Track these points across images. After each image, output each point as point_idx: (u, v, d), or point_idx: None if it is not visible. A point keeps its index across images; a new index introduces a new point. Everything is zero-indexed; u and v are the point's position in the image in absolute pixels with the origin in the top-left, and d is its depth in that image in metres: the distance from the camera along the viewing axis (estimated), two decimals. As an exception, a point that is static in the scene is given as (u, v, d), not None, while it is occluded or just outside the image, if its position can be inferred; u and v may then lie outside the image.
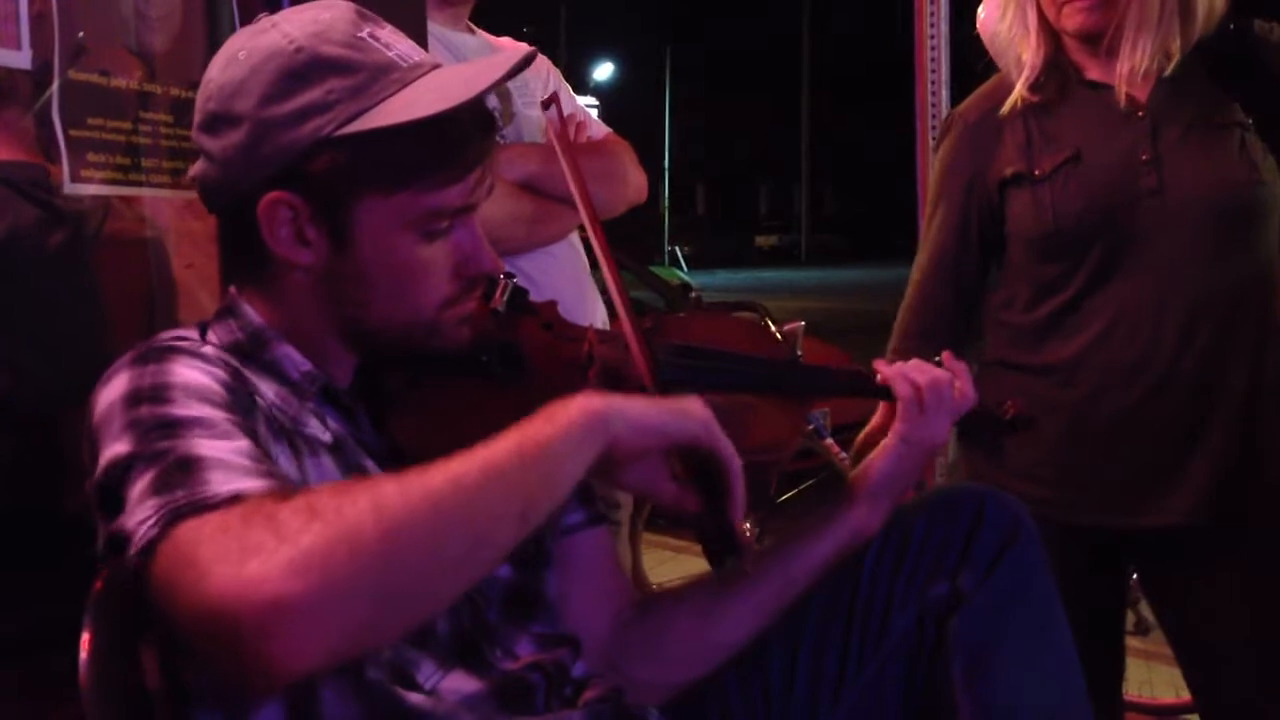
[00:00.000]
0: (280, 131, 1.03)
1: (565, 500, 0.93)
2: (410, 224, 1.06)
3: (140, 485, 0.87)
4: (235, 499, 0.83)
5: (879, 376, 1.29)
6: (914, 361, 1.30)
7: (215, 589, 0.77)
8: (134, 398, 0.94)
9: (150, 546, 0.83)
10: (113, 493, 0.89)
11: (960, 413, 1.29)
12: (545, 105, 1.35)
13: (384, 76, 1.05)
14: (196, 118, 1.09)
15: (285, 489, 0.87)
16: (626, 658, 1.24)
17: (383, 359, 1.14)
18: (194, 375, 0.97)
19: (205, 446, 0.89)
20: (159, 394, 0.94)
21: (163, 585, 0.82)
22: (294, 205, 1.04)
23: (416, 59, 1.08)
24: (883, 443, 1.27)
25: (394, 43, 1.08)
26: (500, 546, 0.88)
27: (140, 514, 0.85)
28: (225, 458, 0.88)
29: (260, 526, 0.79)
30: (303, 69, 1.03)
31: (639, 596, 1.32)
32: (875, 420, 1.33)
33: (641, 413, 0.99)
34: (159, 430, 0.90)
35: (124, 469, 0.89)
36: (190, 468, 0.86)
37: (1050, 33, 1.72)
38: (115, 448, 0.91)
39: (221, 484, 0.85)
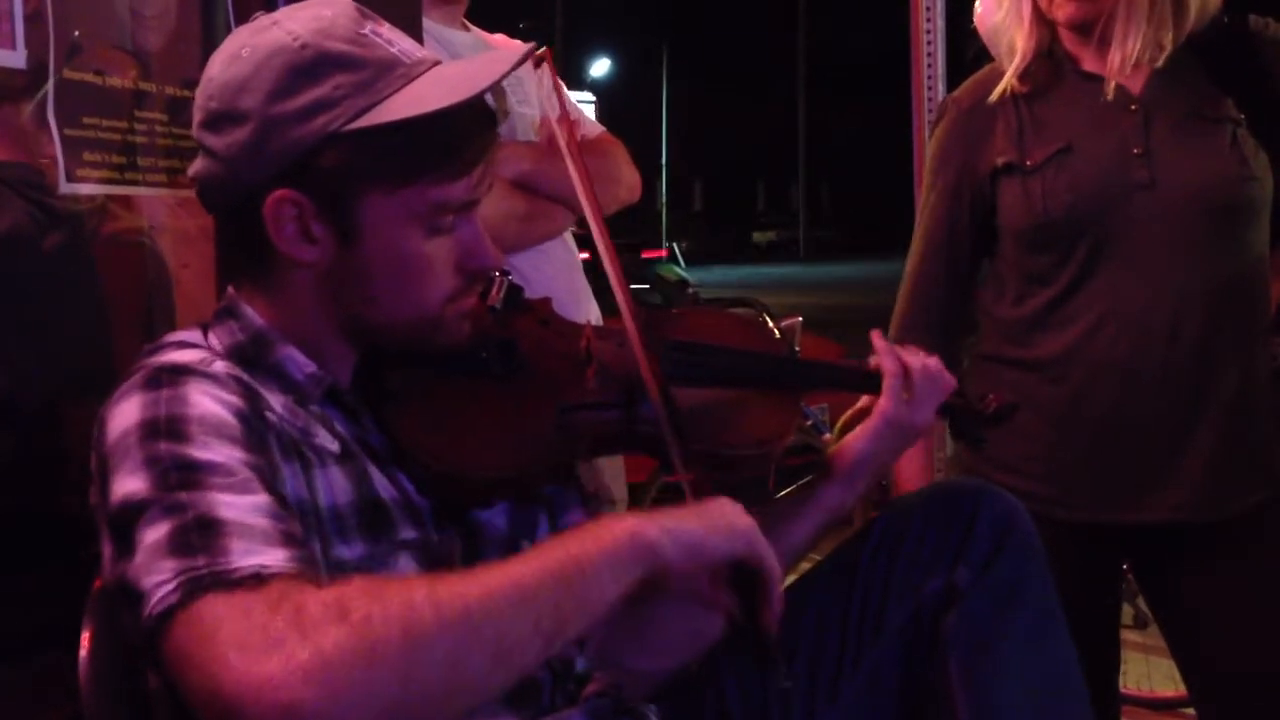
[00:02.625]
0: (287, 128, 1.03)
1: (598, 625, 0.91)
2: (415, 219, 1.06)
3: (156, 536, 0.86)
4: (257, 577, 0.83)
5: (872, 357, 1.29)
6: (909, 345, 1.31)
7: (230, 680, 0.77)
8: (150, 429, 0.93)
9: (168, 613, 0.82)
10: (125, 532, 0.89)
11: (943, 398, 1.30)
12: (537, 63, 1.32)
13: (389, 72, 1.05)
14: (198, 115, 1.09)
15: (309, 564, 0.87)
16: (618, 651, 1.24)
17: (383, 358, 1.15)
18: (210, 406, 0.96)
19: (225, 505, 0.88)
20: (176, 428, 0.93)
21: (177, 657, 0.82)
22: (300, 202, 1.04)
23: (419, 55, 1.09)
24: (864, 422, 1.28)
25: (395, 39, 1.09)
26: (521, 668, 0.87)
27: (157, 574, 0.84)
28: (246, 521, 0.87)
29: (286, 617, 0.79)
30: (309, 65, 1.04)
31: None
32: (863, 399, 1.34)
33: (690, 533, 0.97)
34: (178, 474, 0.90)
35: (138, 511, 0.89)
36: (210, 530, 0.86)
37: (1045, 22, 1.72)
38: (131, 484, 0.90)
39: (243, 555, 0.84)
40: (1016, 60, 1.72)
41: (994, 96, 1.73)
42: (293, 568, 0.85)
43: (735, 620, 1.05)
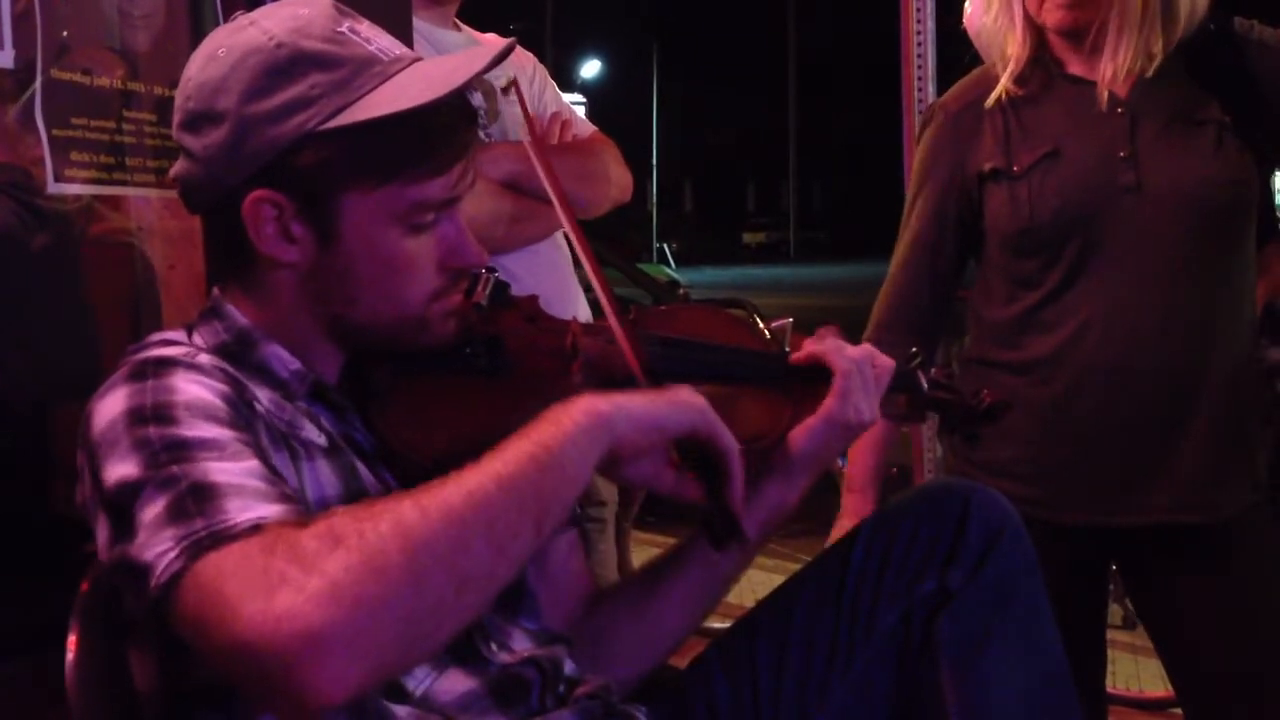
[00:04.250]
0: (264, 128, 1.03)
1: (575, 504, 0.94)
2: (395, 218, 1.06)
3: (153, 511, 0.87)
4: (255, 528, 0.83)
5: (815, 355, 1.26)
6: (831, 341, 1.28)
7: (247, 626, 0.77)
8: (138, 416, 0.93)
9: (173, 580, 0.83)
10: (123, 516, 0.89)
11: (884, 390, 1.28)
12: (505, 90, 1.34)
13: (366, 70, 1.05)
14: (177, 116, 1.09)
15: (302, 512, 0.87)
16: (573, 657, 1.24)
17: (368, 356, 1.14)
18: (196, 391, 0.96)
19: (217, 471, 0.88)
20: (163, 413, 0.93)
21: (190, 620, 0.82)
22: (279, 202, 1.04)
23: (397, 53, 1.09)
24: (806, 420, 1.26)
25: (374, 37, 1.09)
26: (519, 557, 0.89)
27: (159, 545, 0.85)
28: (239, 482, 0.88)
29: (284, 556, 0.80)
30: (284, 64, 1.03)
31: (589, 595, 1.32)
32: None
33: (643, 409, 1.01)
34: (168, 452, 0.90)
35: (134, 492, 0.89)
36: (205, 495, 0.86)
37: (1034, 26, 1.72)
38: (123, 469, 0.91)
39: (240, 512, 0.85)
40: (1011, 65, 1.72)
41: (989, 102, 1.73)
42: (287, 518, 0.85)
43: (702, 504, 1.08)
